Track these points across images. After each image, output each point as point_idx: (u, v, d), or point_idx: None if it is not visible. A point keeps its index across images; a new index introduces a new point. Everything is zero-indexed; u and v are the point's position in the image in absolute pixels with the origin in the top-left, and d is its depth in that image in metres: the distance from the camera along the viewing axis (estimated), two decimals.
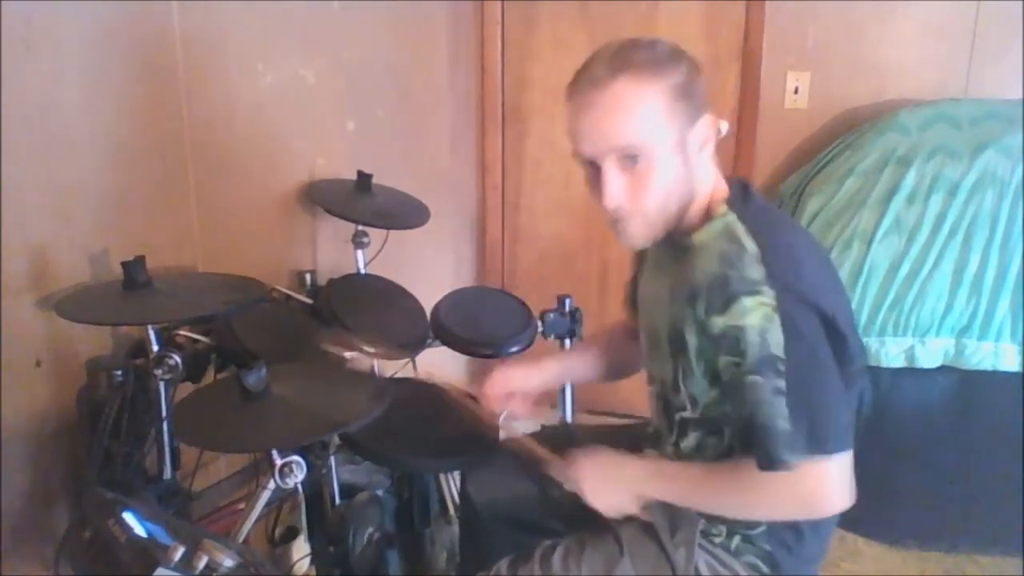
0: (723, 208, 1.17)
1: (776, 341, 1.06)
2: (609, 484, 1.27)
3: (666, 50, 1.14)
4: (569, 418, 2.01)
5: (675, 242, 1.20)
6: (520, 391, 1.45)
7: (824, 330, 1.10)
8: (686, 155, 1.15)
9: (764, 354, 1.07)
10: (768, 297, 1.07)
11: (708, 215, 1.18)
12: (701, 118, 1.15)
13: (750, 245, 1.11)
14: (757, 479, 1.13)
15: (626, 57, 1.12)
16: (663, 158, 1.13)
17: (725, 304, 1.09)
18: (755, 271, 1.08)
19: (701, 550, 1.25)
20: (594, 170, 1.16)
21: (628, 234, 1.19)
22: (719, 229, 1.15)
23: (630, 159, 1.13)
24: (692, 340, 1.16)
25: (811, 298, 1.09)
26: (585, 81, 1.13)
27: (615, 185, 1.14)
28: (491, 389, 1.43)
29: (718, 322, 1.10)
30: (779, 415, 1.08)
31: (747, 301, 1.07)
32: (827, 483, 1.11)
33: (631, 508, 1.26)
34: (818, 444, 1.08)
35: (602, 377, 1.55)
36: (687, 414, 1.24)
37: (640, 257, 1.41)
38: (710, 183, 1.20)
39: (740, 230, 1.13)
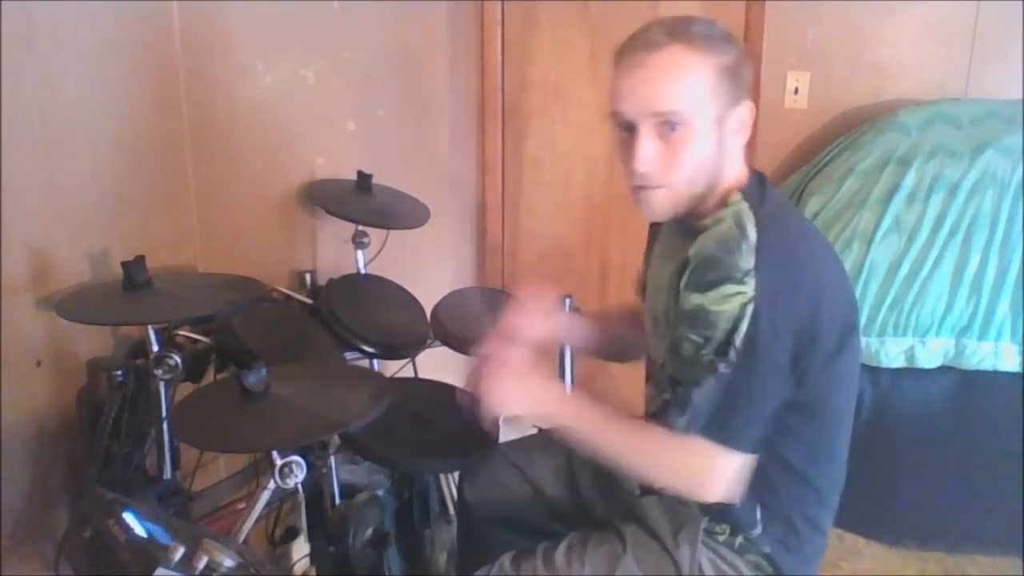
0: (737, 196, 1.17)
1: (741, 330, 1.07)
2: (520, 387, 1.22)
3: (722, 30, 1.16)
4: None
5: (687, 227, 1.21)
6: (525, 337, 1.39)
7: (796, 336, 1.10)
8: (722, 136, 1.16)
9: (726, 339, 1.08)
10: (749, 288, 1.07)
11: (723, 202, 1.19)
12: (742, 103, 1.17)
13: (752, 233, 1.11)
14: (660, 439, 1.15)
15: (684, 27, 1.14)
16: (701, 132, 1.14)
17: (708, 285, 1.10)
18: (747, 260, 1.09)
19: (705, 548, 1.25)
20: (627, 134, 1.16)
21: (651, 205, 1.18)
22: (729, 213, 1.15)
23: (669, 126, 1.13)
24: (673, 316, 1.17)
25: (793, 302, 1.10)
26: (639, 42, 1.14)
27: (648, 149, 1.14)
28: (496, 334, 1.37)
29: (694, 299, 1.11)
30: (702, 387, 1.10)
31: (729, 288, 1.08)
32: (716, 470, 1.14)
33: (523, 411, 1.22)
34: (722, 432, 1.11)
35: (600, 350, 1.53)
36: (667, 395, 1.23)
37: (651, 241, 1.41)
38: (735, 172, 1.20)
39: (748, 218, 1.13)
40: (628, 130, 1.16)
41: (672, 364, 1.17)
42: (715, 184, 1.18)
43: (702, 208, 1.19)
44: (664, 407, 1.17)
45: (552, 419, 1.23)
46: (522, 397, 1.23)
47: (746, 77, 1.17)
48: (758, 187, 1.20)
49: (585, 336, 1.52)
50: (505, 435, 1.71)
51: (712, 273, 1.10)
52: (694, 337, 1.11)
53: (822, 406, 1.20)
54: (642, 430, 1.21)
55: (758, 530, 1.23)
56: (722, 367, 1.09)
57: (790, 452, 1.20)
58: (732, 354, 1.08)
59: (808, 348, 1.12)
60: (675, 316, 1.16)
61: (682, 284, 1.14)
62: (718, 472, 1.14)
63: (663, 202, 1.18)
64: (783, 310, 1.09)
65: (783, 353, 1.10)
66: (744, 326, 1.07)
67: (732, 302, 1.08)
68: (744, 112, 1.17)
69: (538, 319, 1.42)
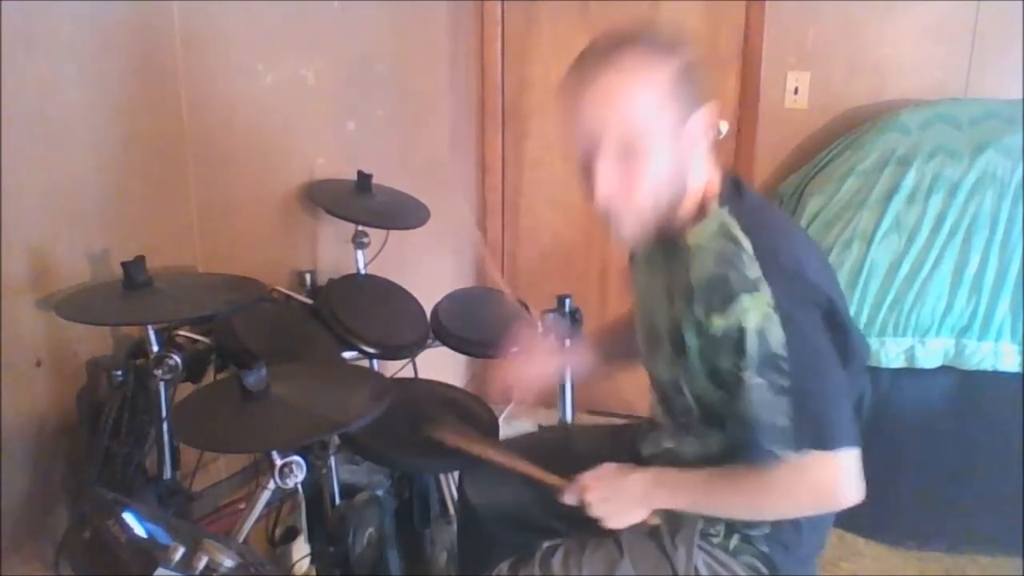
0: (714, 206, 1.16)
1: (776, 339, 1.06)
2: (620, 502, 1.25)
3: (662, 39, 1.13)
4: (569, 418, 2.01)
5: (667, 240, 1.19)
6: (521, 380, 1.46)
7: (825, 324, 1.10)
8: (681, 146, 1.12)
9: (765, 353, 1.06)
10: (766, 294, 1.06)
11: (701, 212, 1.17)
12: (699, 109, 1.13)
13: (746, 243, 1.10)
14: (767, 479, 1.12)
15: (621, 46, 1.11)
16: (656, 151, 1.11)
17: (724, 304, 1.08)
18: (752, 269, 1.08)
19: (700, 550, 1.25)
20: (587, 169, 1.14)
21: (620, 229, 1.18)
22: (714, 228, 1.13)
23: (623, 150, 1.11)
24: (692, 341, 1.15)
25: (810, 293, 1.10)
26: (576, 77, 1.12)
27: (604, 181, 1.12)
28: (494, 384, 1.44)
29: (718, 322, 1.09)
30: (780, 413, 1.07)
31: (746, 300, 1.06)
32: (836, 477, 1.10)
33: (643, 517, 1.25)
34: (825, 440, 1.08)
35: (603, 372, 1.55)
36: (690, 416, 1.24)
37: (632, 257, 1.40)
38: (704, 178, 1.18)
39: (735, 227, 1.12)
40: (586, 165, 1.14)
41: (715, 395, 1.16)
42: (682, 196, 1.16)
43: (678, 220, 1.18)
44: (755, 443, 1.13)
45: (661, 507, 1.24)
46: (628, 510, 1.24)
47: (698, 82, 1.13)
48: (734, 192, 1.18)
49: (587, 363, 1.56)
50: (505, 433, 1.71)
51: (723, 292, 1.08)
52: (731, 358, 1.09)
53: None
54: (745, 478, 1.16)
55: (766, 528, 1.23)
56: (780, 381, 1.06)
57: None
58: (782, 364, 1.06)
59: (838, 334, 1.12)
60: (703, 348, 1.14)
61: (697, 314, 1.11)
62: (844, 476, 1.09)
63: (631, 226, 1.17)
64: (807, 303, 1.09)
65: (824, 341, 1.09)
66: (776, 334, 1.05)
67: (755, 313, 1.06)
68: (701, 118, 1.13)
69: (542, 364, 1.48)
